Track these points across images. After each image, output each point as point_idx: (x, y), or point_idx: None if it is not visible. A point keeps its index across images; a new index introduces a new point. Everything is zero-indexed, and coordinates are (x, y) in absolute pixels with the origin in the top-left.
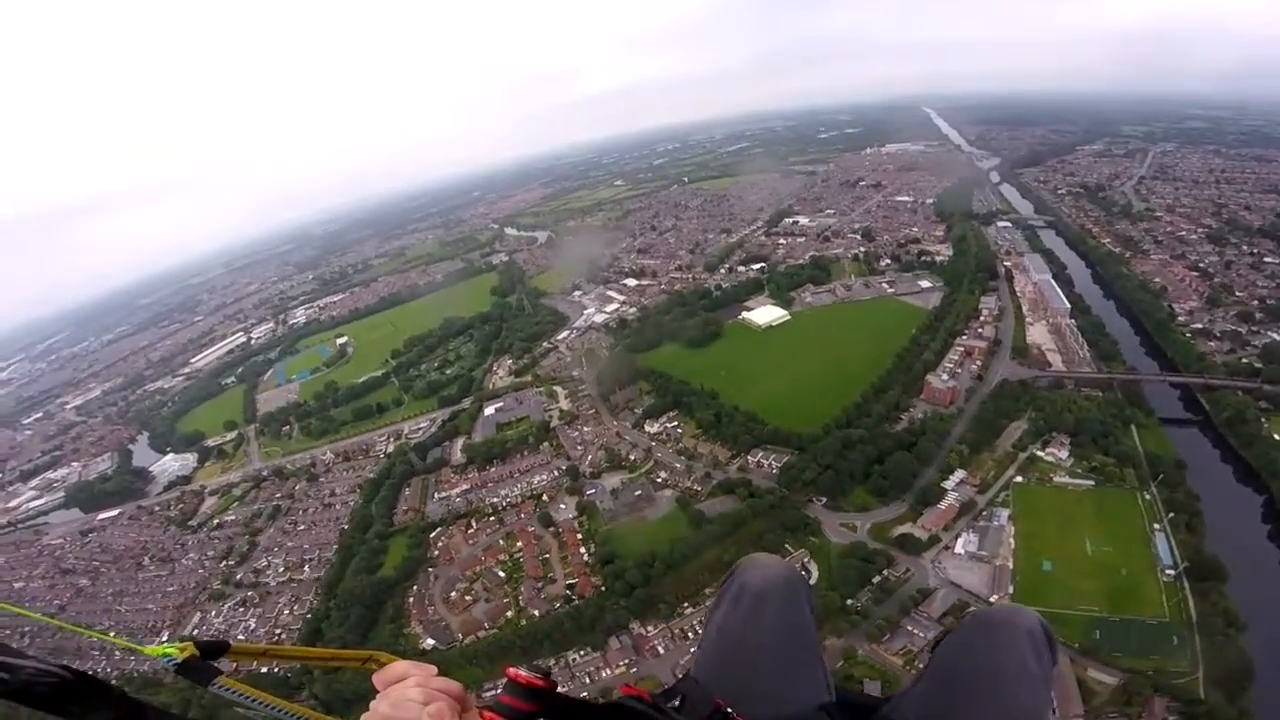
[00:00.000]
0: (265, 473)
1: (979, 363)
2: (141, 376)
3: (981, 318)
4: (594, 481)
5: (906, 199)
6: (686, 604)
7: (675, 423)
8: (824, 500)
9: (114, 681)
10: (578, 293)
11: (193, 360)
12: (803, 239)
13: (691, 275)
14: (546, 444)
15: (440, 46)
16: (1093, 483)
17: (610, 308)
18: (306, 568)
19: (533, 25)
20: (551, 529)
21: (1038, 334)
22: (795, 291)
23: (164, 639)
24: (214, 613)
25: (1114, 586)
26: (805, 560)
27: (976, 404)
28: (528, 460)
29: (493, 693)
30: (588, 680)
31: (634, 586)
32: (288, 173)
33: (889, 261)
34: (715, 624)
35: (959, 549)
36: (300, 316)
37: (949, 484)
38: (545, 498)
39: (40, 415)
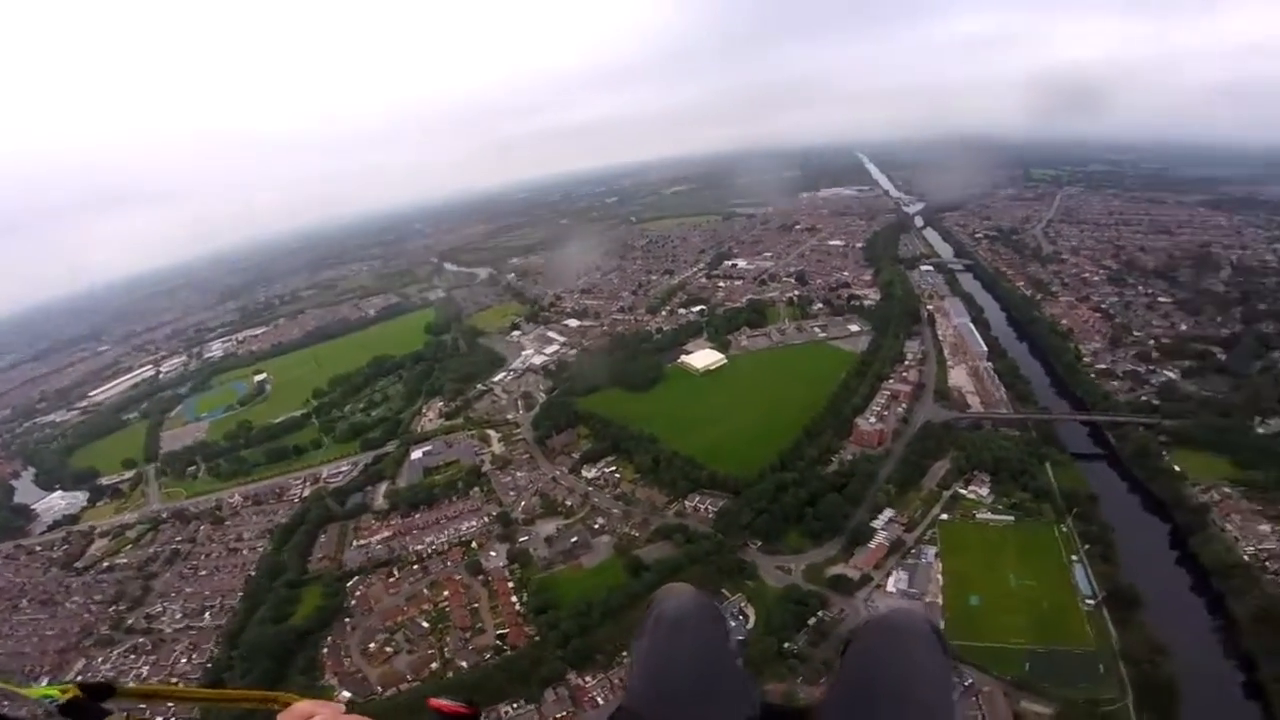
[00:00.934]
0: (165, 514)
1: (904, 405)
2: (33, 409)
3: (906, 361)
4: (527, 528)
5: (839, 243)
6: (625, 653)
7: (614, 468)
8: (759, 544)
9: None
10: (516, 333)
11: (92, 393)
12: (741, 281)
13: (634, 317)
14: (477, 489)
15: (386, 72)
16: (1013, 518)
17: (550, 349)
18: (207, 615)
19: (485, 60)
20: (481, 577)
21: (958, 377)
22: (733, 334)
23: (43, 683)
24: (100, 659)
25: (1039, 618)
26: (742, 604)
27: (903, 445)
28: (456, 506)
29: None
30: None
31: (570, 636)
32: (214, 195)
33: (821, 305)
34: (639, 655)
35: (890, 587)
36: (217, 350)
37: (878, 523)
38: (475, 545)
39: None
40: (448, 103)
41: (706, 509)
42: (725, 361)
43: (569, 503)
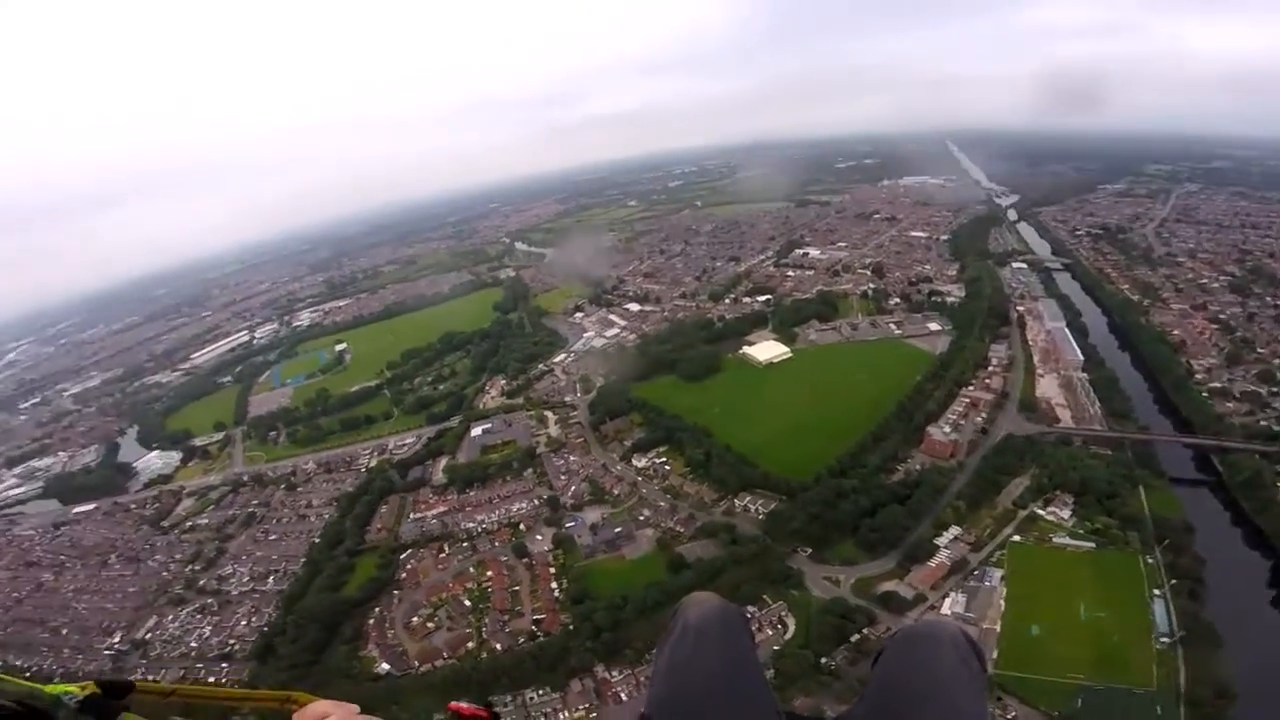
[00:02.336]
0: (245, 478)
1: (984, 415)
2: (142, 369)
3: (990, 367)
4: (574, 514)
5: (921, 234)
6: (652, 654)
7: (664, 459)
8: (809, 551)
9: None
10: (579, 315)
11: (194, 356)
12: (811, 272)
13: (696, 304)
14: (530, 471)
15: (455, 59)
16: (1094, 545)
17: (610, 332)
18: (271, 579)
19: (551, 42)
20: (525, 560)
21: (1048, 387)
22: (800, 327)
23: (115, 640)
24: (170, 618)
25: (1104, 654)
26: (783, 613)
27: (978, 458)
28: (509, 487)
29: None
30: None
31: (602, 629)
32: (311, 174)
33: (898, 300)
34: (662, 662)
35: (945, 609)
36: (305, 319)
37: (942, 540)
38: (523, 527)
39: (38, 400)
40: (517, 88)
41: (756, 510)
42: (789, 355)
43: (617, 491)
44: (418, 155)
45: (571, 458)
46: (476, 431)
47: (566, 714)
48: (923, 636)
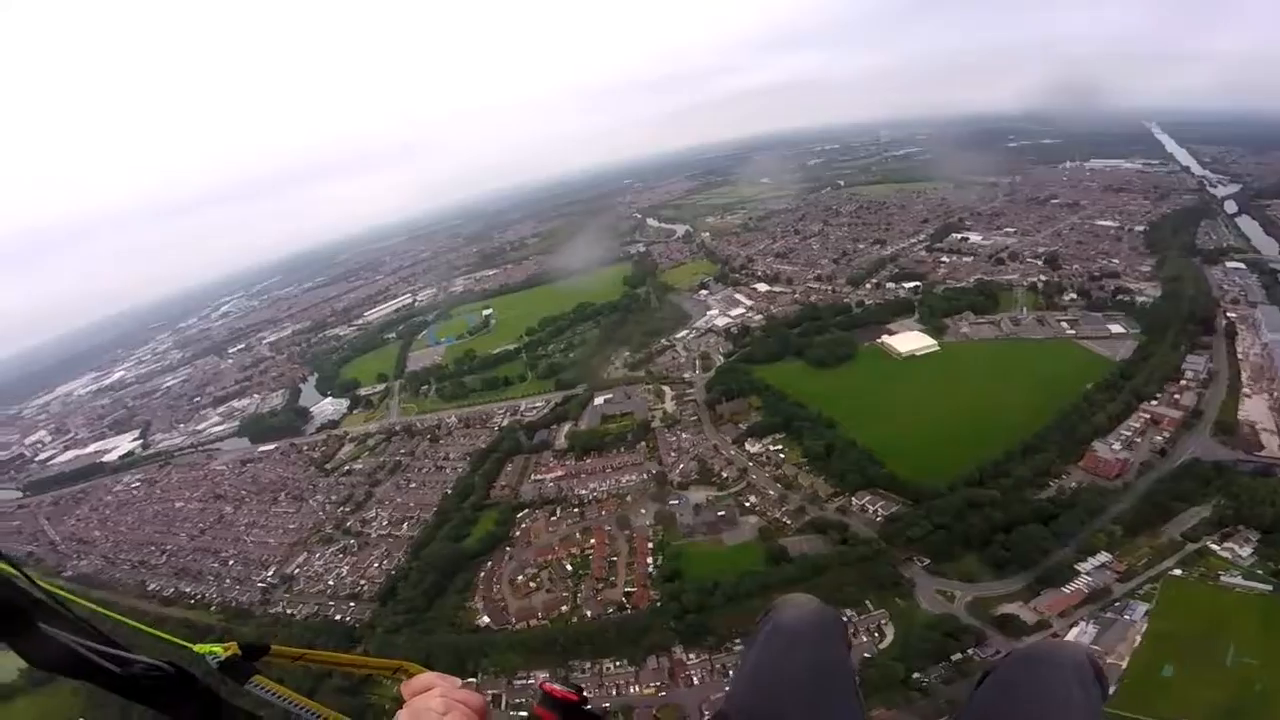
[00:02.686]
0: (397, 428)
1: (1166, 434)
2: (325, 323)
3: (1183, 381)
4: (680, 492)
5: (1110, 224)
6: (737, 640)
7: (779, 446)
8: (926, 561)
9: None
10: (704, 292)
11: (367, 314)
12: (970, 259)
13: (831, 287)
14: (643, 444)
15: (588, 39)
16: (1270, 588)
17: (735, 312)
18: (405, 525)
19: (681, 17)
20: (627, 532)
21: (1255, 409)
22: (951, 318)
23: (269, 574)
24: (317, 555)
25: (1240, 702)
26: (883, 621)
27: (1150, 481)
28: (621, 458)
29: (521, 683)
30: (615, 692)
31: (688, 611)
32: (469, 155)
33: (1074, 296)
34: (749, 662)
35: (1070, 638)
36: (459, 285)
37: (1085, 566)
38: (629, 499)
39: (242, 347)
40: (656, 63)
41: (875, 511)
42: (936, 348)
43: (725, 474)
44: (561, 135)
45: (684, 435)
46: (599, 400)
47: (638, 688)
48: (1043, 658)
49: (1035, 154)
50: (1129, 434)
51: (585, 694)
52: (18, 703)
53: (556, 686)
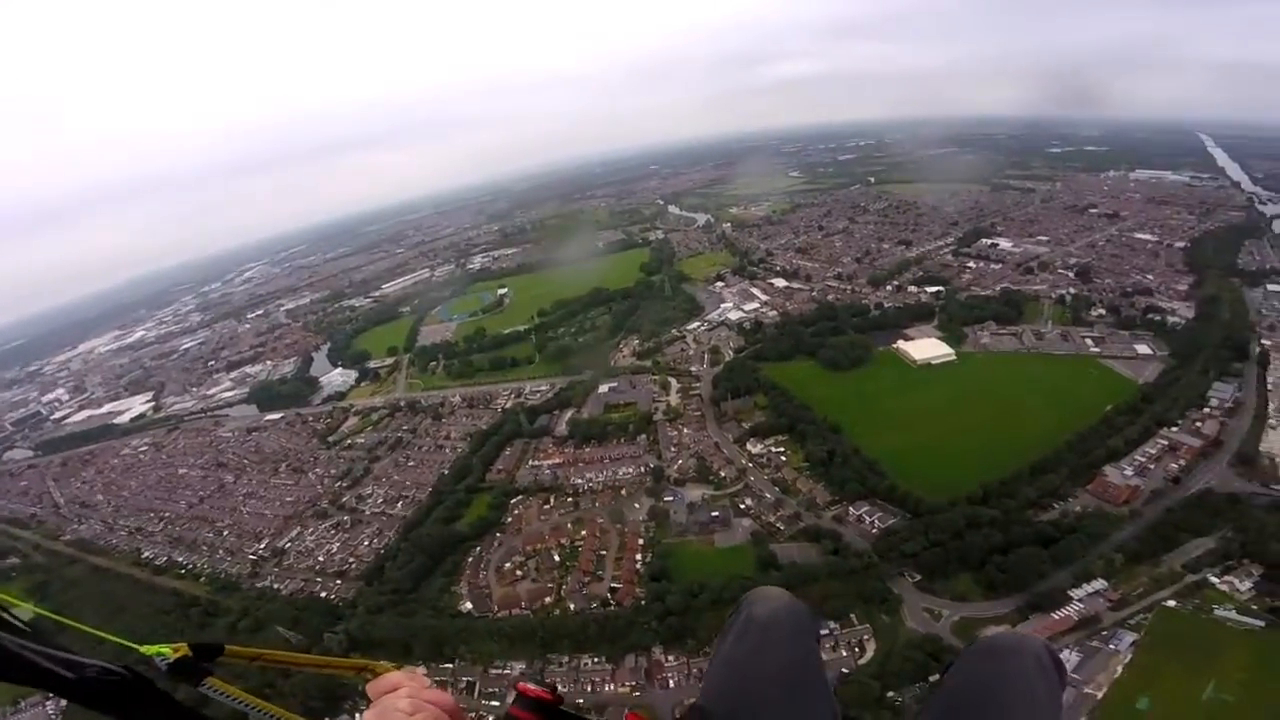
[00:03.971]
0: (402, 403)
1: (1182, 462)
2: (342, 293)
3: (1207, 408)
4: (675, 489)
5: (1149, 237)
6: (715, 641)
7: (781, 448)
8: (918, 578)
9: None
10: (719, 284)
11: (384, 286)
12: (998, 265)
13: (851, 287)
14: (644, 437)
15: (647, 13)
16: (1263, 624)
17: (750, 306)
18: (400, 504)
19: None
20: (619, 526)
21: (1278, 441)
22: (971, 327)
23: (261, 546)
24: (310, 530)
25: None
26: (865, 637)
27: (1159, 510)
28: (621, 449)
29: (497, 673)
30: (589, 689)
31: (671, 612)
32: (496, 132)
33: (1102, 312)
34: (722, 656)
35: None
36: (477, 263)
37: (1079, 592)
38: (624, 492)
39: (260, 313)
40: (713, 41)
41: (871, 522)
42: (953, 358)
43: (723, 473)
44: (591, 116)
45: (685, 430)
46: (603, 389)
47: (614, 686)
48: (1006, 649)
49: (1079, 160)
50: (1143, 460)
51: (560, 692)
52: None
53: (531, 686)
